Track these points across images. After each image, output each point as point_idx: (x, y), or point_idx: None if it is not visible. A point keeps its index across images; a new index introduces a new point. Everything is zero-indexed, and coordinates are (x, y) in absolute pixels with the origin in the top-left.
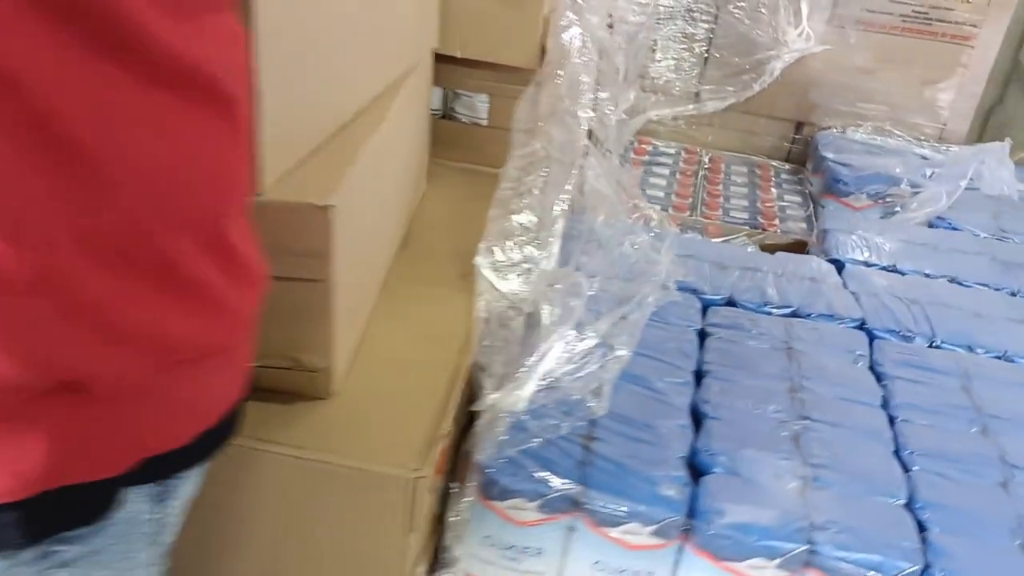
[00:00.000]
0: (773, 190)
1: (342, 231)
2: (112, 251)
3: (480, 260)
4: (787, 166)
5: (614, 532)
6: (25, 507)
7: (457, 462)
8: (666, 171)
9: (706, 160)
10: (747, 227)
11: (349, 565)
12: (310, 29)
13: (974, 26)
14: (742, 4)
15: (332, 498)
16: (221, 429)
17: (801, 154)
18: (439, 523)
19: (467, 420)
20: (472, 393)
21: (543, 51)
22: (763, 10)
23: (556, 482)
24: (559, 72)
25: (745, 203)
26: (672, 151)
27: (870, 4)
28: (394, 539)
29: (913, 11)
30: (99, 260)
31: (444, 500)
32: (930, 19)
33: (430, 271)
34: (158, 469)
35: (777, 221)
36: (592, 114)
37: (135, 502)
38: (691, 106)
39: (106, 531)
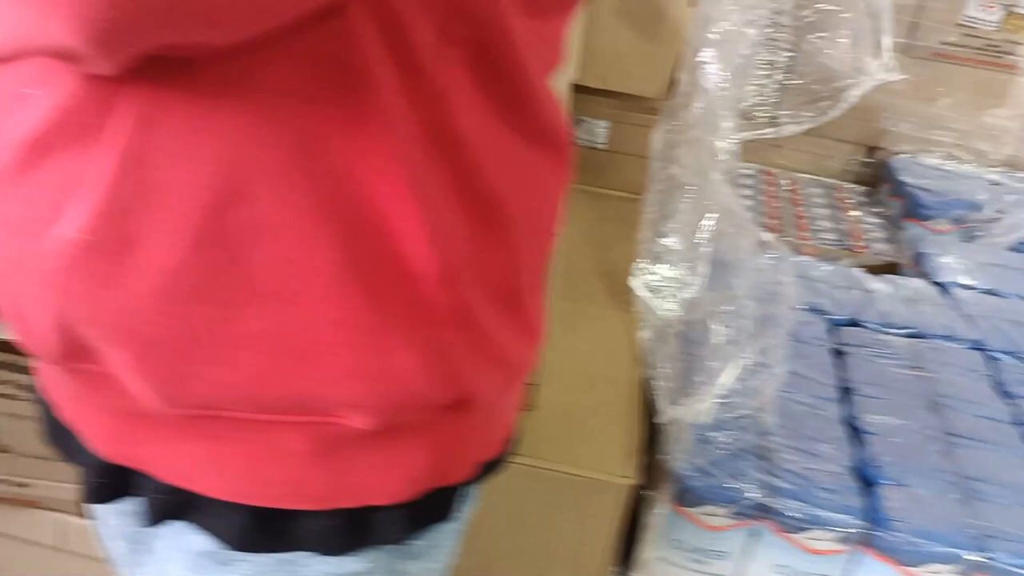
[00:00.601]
0: (853, 212)
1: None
2: (494, 285)
3: (635, 281)
4: (861, 188)
5: (799, 537)
6: (408, 507)
7: (649, 471)
8: (750, 193)
9: (784, 182)
10: (838, 248)
11: (555, 562)
12: None
13: None
14: (823, 34)
15: (547, 501)
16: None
17: (872, 177)
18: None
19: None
20: (648, 405)
21: (673, 83)
22: (843, 40)
23: (747, 490)
24: (698, 105)
25: (830, 225)
26: (751, 172)
27: (947, 37)
28: (599, 539)
29: (987, 44)
30: (487, 293)
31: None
32: (1001, 52)
33: (581, 290)
34: (481, 473)
35: (864, 243)
36: (724, 144)
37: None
38: (770, 130)
39: (438, 528)
